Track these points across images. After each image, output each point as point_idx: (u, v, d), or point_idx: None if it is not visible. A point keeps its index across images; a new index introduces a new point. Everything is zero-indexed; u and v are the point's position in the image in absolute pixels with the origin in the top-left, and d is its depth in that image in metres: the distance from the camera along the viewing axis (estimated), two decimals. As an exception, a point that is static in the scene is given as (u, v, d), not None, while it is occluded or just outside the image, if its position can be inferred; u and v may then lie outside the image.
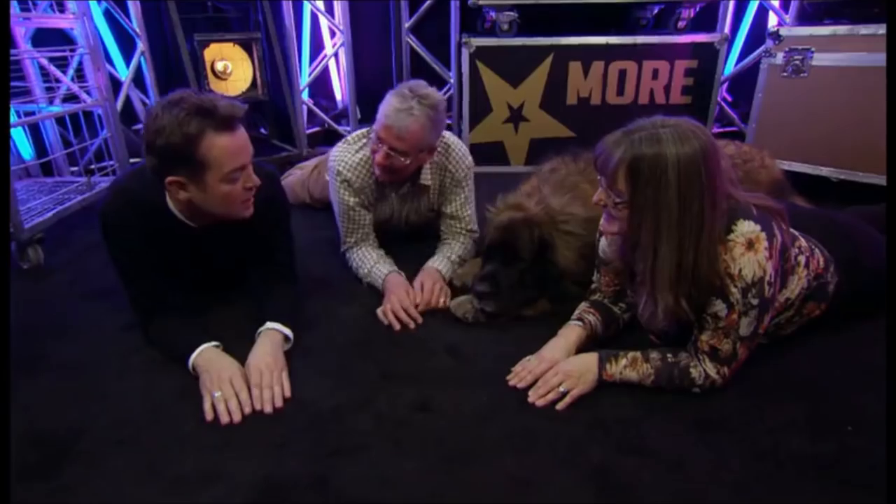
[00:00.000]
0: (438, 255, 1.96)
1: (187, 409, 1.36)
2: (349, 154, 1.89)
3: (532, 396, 1.37)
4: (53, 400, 1.42)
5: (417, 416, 1.34)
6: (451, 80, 3.70)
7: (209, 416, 1.32)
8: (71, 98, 2.60)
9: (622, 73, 3.21)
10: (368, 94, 3.75)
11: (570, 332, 1.51)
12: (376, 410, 1.36)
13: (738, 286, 1.25)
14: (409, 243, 2.12)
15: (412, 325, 1.68)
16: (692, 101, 3.26)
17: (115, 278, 2.04)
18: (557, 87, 3.23)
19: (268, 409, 1.34)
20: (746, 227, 1.24)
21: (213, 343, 1.47)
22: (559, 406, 1.35)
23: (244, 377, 1.39)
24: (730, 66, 3.71)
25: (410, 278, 1.87)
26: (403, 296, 1.73)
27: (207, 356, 1.43)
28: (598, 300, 1.60)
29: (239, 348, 1.51)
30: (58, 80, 2.59)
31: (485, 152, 3.22)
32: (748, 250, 1.24)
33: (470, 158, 1.95)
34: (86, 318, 1.82)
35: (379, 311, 1.73)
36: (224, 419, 1.31)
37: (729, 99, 3.86)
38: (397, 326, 1.68)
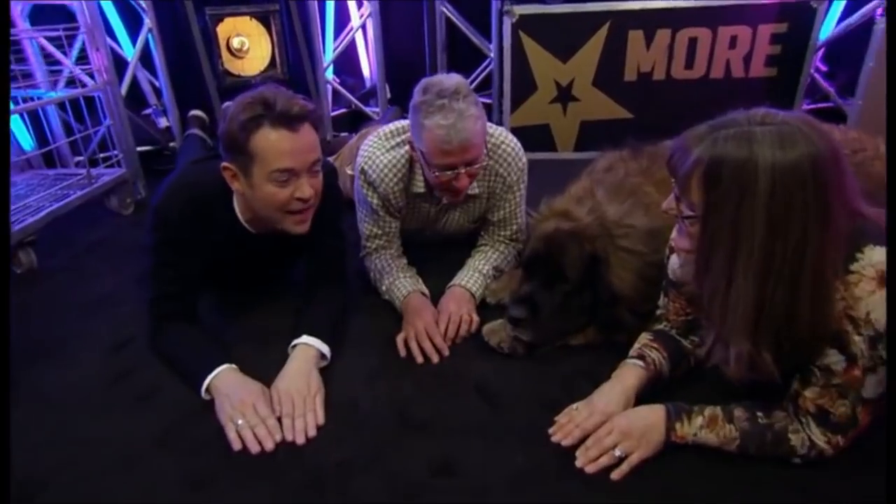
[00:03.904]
0: (469, 268, 1.84)
1: (166, 463, 1.26)
2: (378, 153, 1.77)
3: (580, 460, 1.22)
4: (23, 441, 1.33)
5: (437, 482, 1.20)
6: (492, 54, 3.53)
7: (236, 445, 1.28)
8: (74, 82, 2.55)
9: (692, 43, 3.00)
10: (400, 71, 3.68)
11: (628, 375, 1.34)
12: (388, 471, 1.23)
13: (865, 334, 1.02)
14: (442, 250, 2.01)
15: (435, 359, 1.57)
16: (777, 73, 3.01)
17: (114, 284, 2.05)
18: (614, 60, 3.08)
19: (300, 440, 1.30)
20: (878, 256, 1.02)
21: (232, 365, 1.43)
22: (614, 475, 1.19)
23: (269, 403, 1.36)
24: (827, 29, 3.27)
25: (439, 295, 1.76)
26: (429, 321, 1.62)
27: (227, 379, 1.39)
28: (663, 331, 1.43)
29: (272, 356, 1.50)
30: (60, 63, 2.55)
31: (528, 137, 3.05)
32: (880, 287, 1.00)
33: (524, 158, 1.83)
34: (75, 334, 1.76)
35: (399, 339, 1.62)
36: (254, 448, 1.28)
37: (823, 69, 3.46)
38: (419, 359, 1.57)
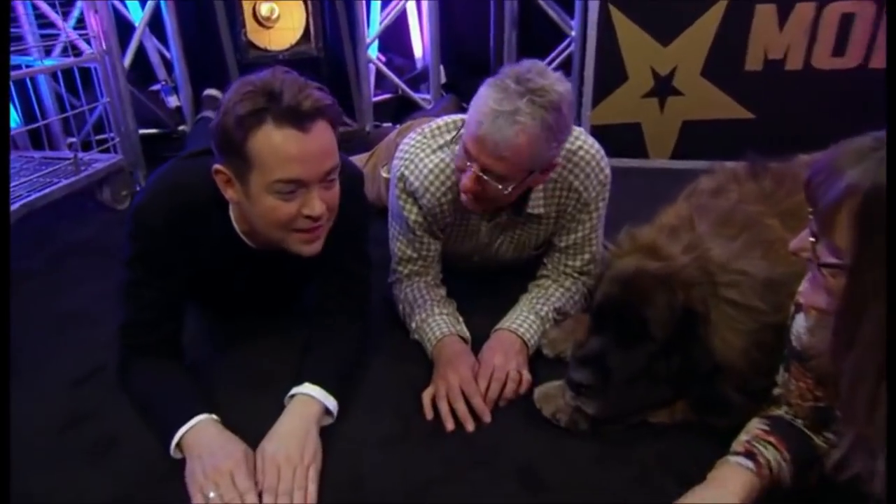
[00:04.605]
0: (523, 307, 1.81)
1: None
2: (423, 154, 1.76)
3: None
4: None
5: None
6: (573, 33, 3.55)
7: None
8: (71, 50, 2.62)
9: (845, 21, 2.89)
10: (458, 51, 3.75)
11: (732, 479, 1.25)
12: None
13: None
14: (492, 280, 2.02)
15: (470, 427, 1.53)
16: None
17: (93, 296, 2.07)
18: (732, 43, 3.03)
19: None
20: None
21: (212, 416, 1.42)
22: None
23: (252, 471, 1.34)
24: None
25: (483, 340, 1.74)
26: (466, 376, 1.60)
27: (204, 435, 1.38)
28: (783, 419, 1.34)
29: (267, 406, 1.49)
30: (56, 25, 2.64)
31: (611, 138, 3.09)
32: None
33: (607, 169, 1.80)
34: (34, 359, 1.77)
35: (425, 396, 1.60)
36: None
37: None
38: (449, 425, 1.53)
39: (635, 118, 3.19)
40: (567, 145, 1.71)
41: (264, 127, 1.31)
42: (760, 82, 3.03)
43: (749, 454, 1.26)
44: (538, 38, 3.60)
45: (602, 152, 1.78)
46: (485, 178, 1.55)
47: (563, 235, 1.84)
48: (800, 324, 1.28)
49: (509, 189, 1.58)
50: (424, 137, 1.78)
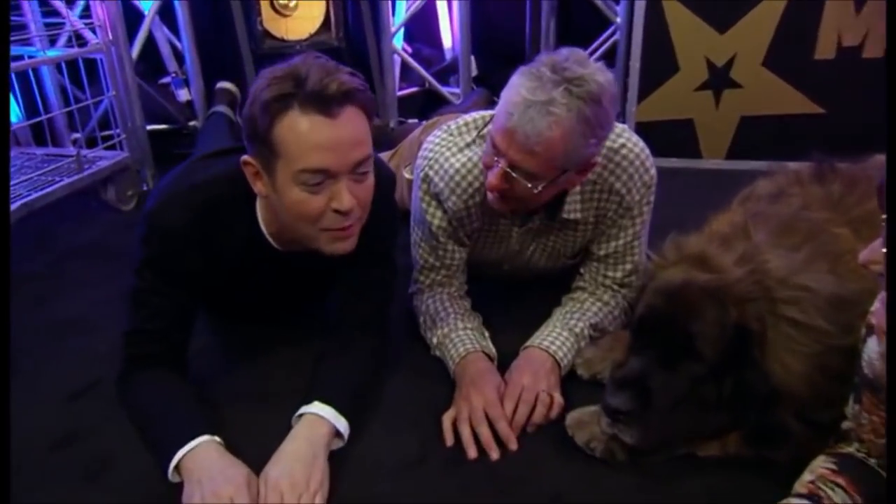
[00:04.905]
0: (556, 322, 1.80)
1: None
2: (449, 153, 1.77)
3: None
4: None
5: None
6: (619, 19, 3.54)
7: None
8: (76, 40, 2.67)
9: None
10: (491, 41, 3.75)
11: None
12: None
13: None
14: (523, 291, 2.02)
15: (495, 455, 1.51)
16: None
17: (95, 302, 2.10)
18: (800, 29, 3.00)
19: None
20: None
21: (215, 438, 1.42)
22: None
23: (254, 497, 1.34)
24: None
25: (511, 357, 1.73)
26: (491, 397, 1.59)
27: (204, 458, 1.38)
28: (853, 457, 1.31)
29: (275, 424, 1.49)
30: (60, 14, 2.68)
31: (660, 136, 3.06)
32: None
33: (652, 170, 1.79)
34: (30, 369, 1.80)
35: (446, 419, 1.59)
36: None
37: None
38: (472, 452, 1.52)
39: (687, 114, 3.18)
40: (608, 143, 1.70)
41: (290, 113, 1.34)
42: (832, 73, 2.99)
43: (814, 497, 1.23)
44: (579, 25, 3.60)
45: (647, 151, 1.77)
46: (513, 175, 1.55)
47: (603, 243, 1.83)
48: (872, 348, 1.25)
49: (539, 188, 1.57)
50: (451, 135, 1.78)
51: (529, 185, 1.55)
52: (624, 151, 1.72)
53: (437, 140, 1.79)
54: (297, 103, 1.34)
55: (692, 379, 1.42)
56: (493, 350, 1.73)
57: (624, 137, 1.74)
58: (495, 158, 1.56)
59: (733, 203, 1.70)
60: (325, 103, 1.34)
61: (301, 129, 1.34)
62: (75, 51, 2.56)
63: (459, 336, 1.73)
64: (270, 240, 1.59)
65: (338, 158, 1.37)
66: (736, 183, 1.78)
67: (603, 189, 1.75)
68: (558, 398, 1.61)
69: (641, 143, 1.76)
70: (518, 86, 1.49)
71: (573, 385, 1.69)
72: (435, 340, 1.78)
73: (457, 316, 1.79)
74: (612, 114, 1.56)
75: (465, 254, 1.86)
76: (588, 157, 1.58)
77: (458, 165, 1.74)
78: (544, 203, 1.71)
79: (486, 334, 1.78)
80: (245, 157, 1.44)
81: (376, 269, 1.69)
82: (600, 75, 1.49)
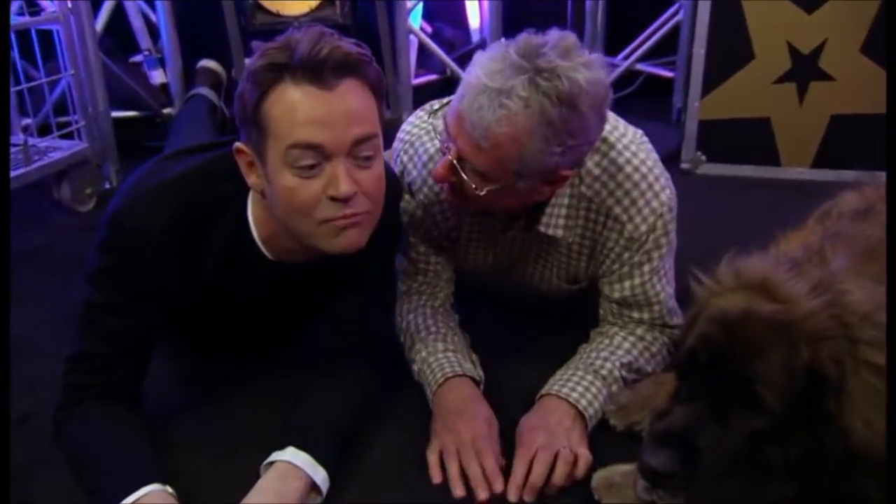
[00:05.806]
0: (580, 362, 1.80)
1: None
2: (427, 136, 1.81)
3: None
4: None
5: None
6: None
7: None
8: (30, 9, 2.72)
9: None
10: (525, 21, 3.66)
11: None
12: None
13: None
14: (537, 313, 2.08)
15: (483, 496, 1.53)
16: None
17: (36, 320, 2.15)
18: None
19: None
20: None
21: (166, 488, 1.43)
22: None
23: None
24: None
25: (516, 399, 1.76)
26: (481, 430, 1.63)
27: None
28: None
29: (240, 474, 1.50)
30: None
31: (731, 138, 3.08)
32: None
33: (665, 194, 1.77)
34: None
35: (430, 456, 1.63)
36: None
37: None
38: (459, 491, 1.55)
39: (762, 112, 3.18)
40: (612, 155, 1.71)
41: (281, 85, 1.38)
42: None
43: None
44: (632, 4, 3.62)
45: (660, 169, 1.76)
46: (459, 168, 1.57)
47: (615, 283, 1.83)
48: (975, 400, 1.21)
49: (484, 192, 1.58)
50: (428, 115, 1.84)
51: (473, 186, 1.57)
52: (628, 169, 1.72)
53: (415, 122, 1.84)
54: (290, 75, 1.37)
55: (751, 435, 1.38)
56: (478, 374, 1.77)
57: (630, 151, 1.73)
58: (447, 145, 1.59)
59: (809, 220, 1.70)
60: (317, 72, 1.37)
61: (291, 100, 1.37)
62: (27, 19, 2.57)
63: (439, 360, 1.76)
64: (261, 246, 1.60)
65: (332, 134, 1.38)
66: (821, 197, 1.76)
67: (599, 211, 1.76)
68: (584, 453, 1.60)
69: (654, 158, 1.75)
70: (478, 64, 1.51)
71: (603, 436, 1.68)
72: (415, 366, 1.81)
73: (437, 336, 1.82)
74: (592, 121, 1.54)
75: (442, 260, 1.90)
76: (552, 168, 1.58)
77: (431, 151, 1.78)
78: (508, 209, 1.73)
79: (475, 357, 1.82)
80: (238, 144, 1.48)
81: (378, 281, 1.73)
82: (584, 72, 1.47)
